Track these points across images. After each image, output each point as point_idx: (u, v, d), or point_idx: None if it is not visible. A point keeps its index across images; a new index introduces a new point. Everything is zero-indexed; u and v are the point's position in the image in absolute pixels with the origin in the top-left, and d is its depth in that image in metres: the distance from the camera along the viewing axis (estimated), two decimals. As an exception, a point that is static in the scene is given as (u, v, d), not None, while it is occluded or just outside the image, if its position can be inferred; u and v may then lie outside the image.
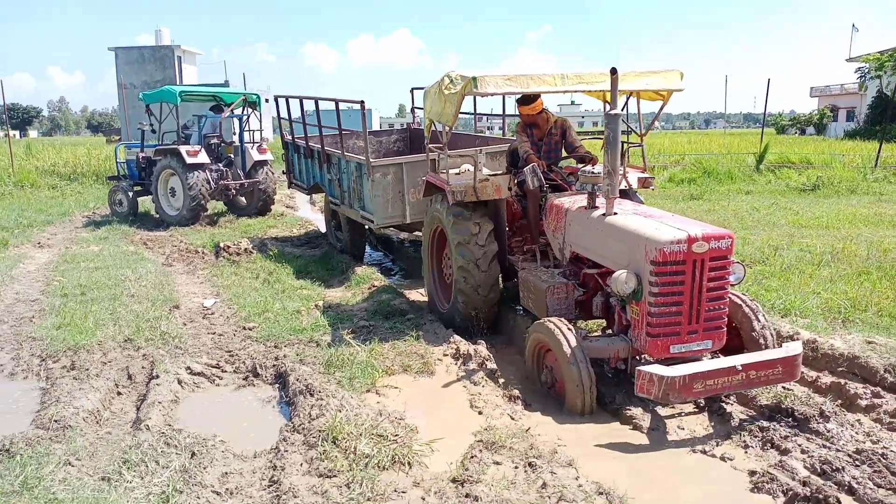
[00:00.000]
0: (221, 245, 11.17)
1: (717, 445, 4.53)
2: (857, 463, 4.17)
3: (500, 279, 6.94)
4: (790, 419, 4.78)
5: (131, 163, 15.63)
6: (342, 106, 9.81)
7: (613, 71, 5.13)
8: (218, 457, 4.35)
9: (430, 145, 7.48)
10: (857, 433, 4.58)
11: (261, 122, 15.82)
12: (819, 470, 4.11)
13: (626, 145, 6.89)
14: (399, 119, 69.74)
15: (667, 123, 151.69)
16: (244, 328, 7.17)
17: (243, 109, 15.57)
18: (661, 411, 5.06)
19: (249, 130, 15.79)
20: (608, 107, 5.25)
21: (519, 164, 6.93)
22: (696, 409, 5.10)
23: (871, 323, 6.41)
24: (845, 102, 56.48)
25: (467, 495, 3.79)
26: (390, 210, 9.06)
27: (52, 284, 8.99)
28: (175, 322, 7.34)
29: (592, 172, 5.72)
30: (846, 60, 53.04)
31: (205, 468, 4.18)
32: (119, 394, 5.62)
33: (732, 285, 5.10)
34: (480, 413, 5.03)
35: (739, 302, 5.37)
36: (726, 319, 4.99)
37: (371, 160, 8.92)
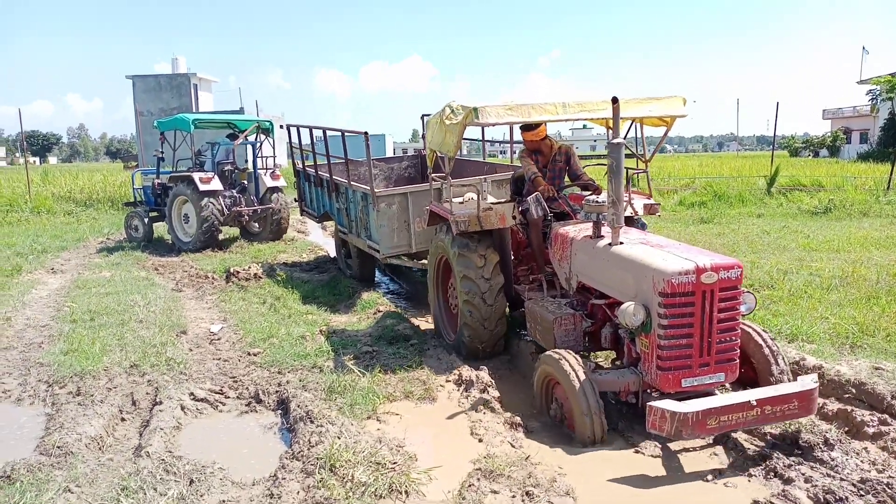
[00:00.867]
0: (231, 270, 11.23)
1: (719, 473, 4.46)
2: (861, 493, 4.09)
3: (507, 309, 6.90)
4: (794, 447, 4.71)
5: (147, 189, 15.81)
6: (351, 134, 9.89)
7: (615, 100, 5.09)
8: (216, 484, 4.33)
9: (433, 175, 7.50)
10: (862, 462, 4.50)
11: (274, 148, 15.97)
12: (823, 500, 4.03)
13: (630, 171, 6.86)
14: (413, 144, 70.13)
15: (679, 146, 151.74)
16: (249, 354, 7.19)
17: (256, 136, 15.74)
18: (666, 439, 5.00)
19: (263, 157, 15.95)
20: (612, 134, 5.25)
21: (525, 188, 6.92)
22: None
23: (879, 348, 6.32)
24: (858, 125, 56.26)
25: (463, 524, 3.75)
26: (396, 240, 9.09)
27: (62, 310, 9.06)
28: (181, 348, 7.37)
29: (597, 201, 5.69)
30: (857, 83, 52.95)
31: (202, 496, 4.17)
32: (123, 420, 5.63)
33: (743, 315, 5.04)
34: (481, 440, 4.99)
35: (751, 332, 5.28)
36: (739, 351, 4.90)
37: (376, 190, 8.97)
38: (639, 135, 7.14)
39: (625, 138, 6.94)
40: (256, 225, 15.93)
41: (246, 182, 15.50)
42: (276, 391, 6.02)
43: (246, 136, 15.42)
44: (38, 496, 4.10)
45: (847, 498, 4.00)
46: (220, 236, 14.91)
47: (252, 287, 10.48)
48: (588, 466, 4.59)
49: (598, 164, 6.65)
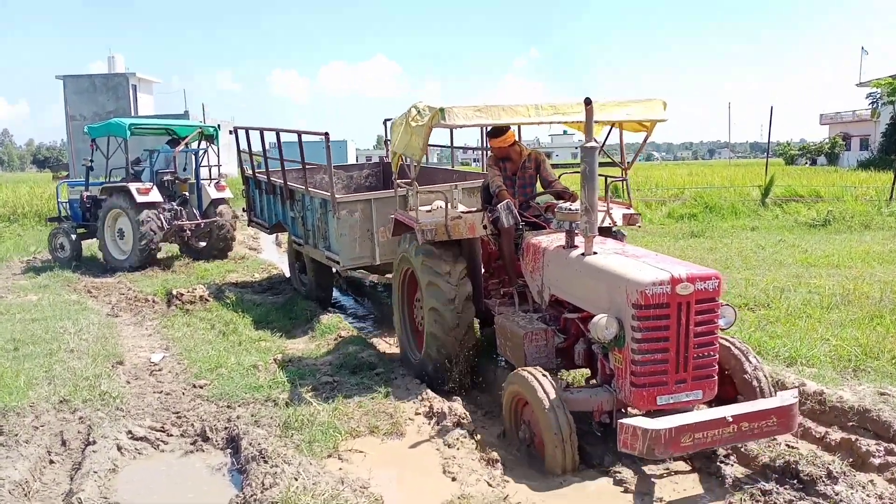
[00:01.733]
0: (174, 292, 11.11)
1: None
2: (868, 529, 4.15)
3: (477, 325, 6.93)
4: (795, 481, 4.77)
5: (74, 202, 15.57)
6: (308, 138, 9.89)
7: (588, 101, 5.24)
8: (157, 534, 4.26)
9: (398, 181, 7.53)
10: (868, 496, 4.57)
11: (219, 156, 15.86)
12: (826, 538, 4.09)
13: (609, 179, 6.98)
14: (378, 151, 70.34)
15: (667, 153, 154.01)
16: (194, 386, 7.12)
17: (199, 143, 15.63)
18: (652, 470, 5.05)
19: (207, 166, 15.83)
20: (585, 138, 5.34)
21: (493, 201, 7.00)
22: (690, 468, 5.09)
23: (884, 372, 6.45)
24: (858, 130, 57.55)
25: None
26: (358, 250, 9.08)
27: (-20, 339, 8.86)
28: (117, 380, 7.26)
29: (570, 209, 5.77)
30: (856, 85, 54.26)
31: (141, 547, 4.10)
32: (51, 462, 5.54)
33: (723, 329, 5.14)
34: (454, 479, 4.99)
35: (728, 345, 5.41)
36: (717, 367, 5.01)
37: (336, 196, 8.96)
38: (619, 141, 7.26)
39: (604, 144, 7.05)
40: (200, 241, 15.76)
41: (188, 193, 15.34)
42: (226, 427, 5.95)
43: (187, 144, 15.31)
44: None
45: (853, 535, 4.06)
46: (159, 254, 14.75)
47: (198, 311, 10.37)
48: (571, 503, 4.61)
49: (574, 172, 6.74)
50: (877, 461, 5.01)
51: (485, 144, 11.42)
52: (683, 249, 13.82)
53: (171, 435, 5.98)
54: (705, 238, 15.97)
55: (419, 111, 6.22)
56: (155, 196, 14.09)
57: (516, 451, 5.48)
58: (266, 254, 17.42)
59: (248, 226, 13.31)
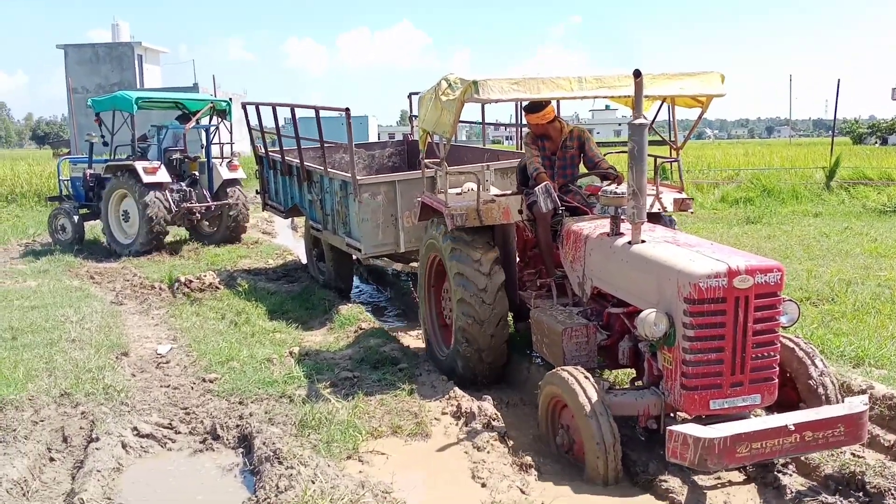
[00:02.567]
0: (182, 279, 11.22)
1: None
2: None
3: (511, 318, 6.91)
4: (861, 493, 4.71)
5: (77, 181, 15.77)
6: (325, 114, 9.90)
7: (637, 73, 5.15)
8: (164, 538, 4.32)
9: (425, 160, 7.52)
10: (943, 511, 4.51)
11: (231, 133, 15.95)
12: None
13: (659, 160, 6.89)
14: (402, 128, 70.39)
15: (721, 131, 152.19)
16: (204, 380, 7.18)
17: (210, 119, 15.72)
18: (703, 480, 5.01)
19: (219, 143, 15.93)
20: (634, 114, 5.28)
21: (529, 184, 6.96)
22: (745, 479, 5.04)
23: (962, 374, 6.34)
24: (935, 106, 56.45)
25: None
26: (381, 237, 9.09)
27: (-23, 328, 9.03)
28: (122, 373, 7.35)
29: (615, 193, 5.71)
30: (935, 56, 53.09)
31: (147, 552, 4.16)
32: (52, 460, 5.61)
33: (784, 327, 5.07)
34: (484, 485, 4.99)
35: (792, 346, 5.32)
36: (778, 369, 4.94)
37: (358, 178, 8.97)
38: (670, 118, 7.18)
39: (653, 121, 6.97)
40: (208, 224, 15.88)
41: (197, 173, 15.46)
42: (237, 425, 6.01)
43: (198, 119, 15.40)
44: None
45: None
46: (167, 238, 14.90)
47: (208, 300, 10.47)
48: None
49: (620, 152, 6.69)
50: (953, 473, 4.93)
51: (520, 121, 11.38)
52: (738, 237, 13.69)
53: (180, 432, 6.04)
54: (762, 225, 15.78)
55: (450, 84, 6.17)
56: (163, 176, 14.23)
57: (553, 455, 5.48)
58: (281, 238, 17.55)
59: (264, 210, 13.37)
